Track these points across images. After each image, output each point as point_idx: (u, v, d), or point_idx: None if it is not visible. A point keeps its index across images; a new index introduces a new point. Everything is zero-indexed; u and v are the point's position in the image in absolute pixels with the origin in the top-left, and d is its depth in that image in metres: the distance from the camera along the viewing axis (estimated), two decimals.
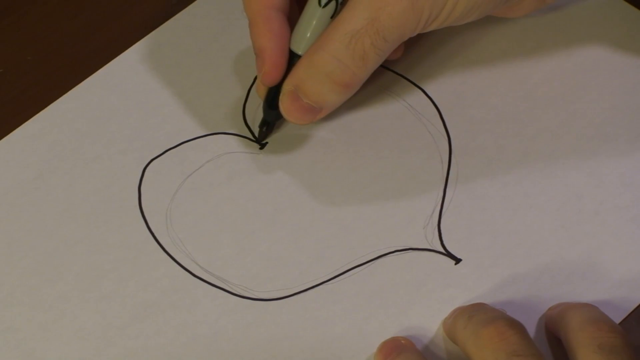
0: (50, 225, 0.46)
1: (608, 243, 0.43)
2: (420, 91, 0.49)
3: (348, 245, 0.44)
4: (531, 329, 0.41)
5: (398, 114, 0.48)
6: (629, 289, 0.42)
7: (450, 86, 0.49)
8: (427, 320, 0.42)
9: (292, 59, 0.43)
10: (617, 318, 0.41)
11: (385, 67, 0.49)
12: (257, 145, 0.48)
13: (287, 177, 0.47)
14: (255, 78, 0.50)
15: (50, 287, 0.44)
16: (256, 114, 0.49)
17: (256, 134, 0.48)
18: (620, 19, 0.50)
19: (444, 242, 0.44)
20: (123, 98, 0.50)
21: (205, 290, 0.44)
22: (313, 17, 0.42)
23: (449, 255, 0.44)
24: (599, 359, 0.36)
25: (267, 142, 0.48)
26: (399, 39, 0.41)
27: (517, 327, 0.38)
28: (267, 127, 0.47)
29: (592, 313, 0.39)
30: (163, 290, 0.44)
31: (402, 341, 0.41)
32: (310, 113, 0.43)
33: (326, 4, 0.41)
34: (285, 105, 0.43)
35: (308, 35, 0.42)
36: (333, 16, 0.42)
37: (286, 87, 0.43)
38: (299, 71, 0.42)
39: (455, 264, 0.44)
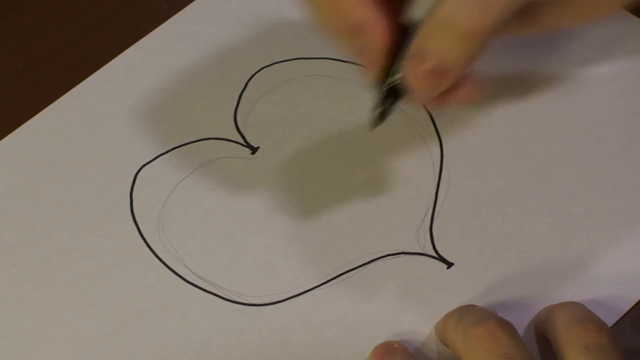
0: (42, 231, 0.46)
1: (600, 246, 0.43)
2: None
3: (340, 249, 0.44)
4: (522, 332, 0.41)
5: (390, 118, 0.48)
6: (620, 292, 0.42)
7: None
8: (419, 324, 0.42)
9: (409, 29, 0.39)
10: (610, 321, 0.41)
11: None
12: (248, 151, 0.48)
13: (279, 182, 0.47)
14: (248, 82, 0.50)
15: (42, 293, 0.44)
16: (247, 120, 0.49)
17: (247, 140, 0.48)
18: (611, 22, 0.50)
19: (436, 246, 0.44)
20: (114, 104, 0.50)
21: (197, 295, 0.44)
22: None
23: (441, 259, 0.44)
24: None
25: (258, 147, 0.48)
26: None
27: (508, 328, 0.38)
28: (385, 110, 0.42)
29: (578, 312, 0.39)
30: (155, 296, 0.44)
31: (395, 345, 0.41)
32: (436, 77, 0.38)
33: None
34: (409, 70, 0.39)
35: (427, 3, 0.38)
36: None
37: (411, 51, 0.38)
38: (422, 31, 0.38)
39: (447, 268, 0.44)
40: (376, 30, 0.38)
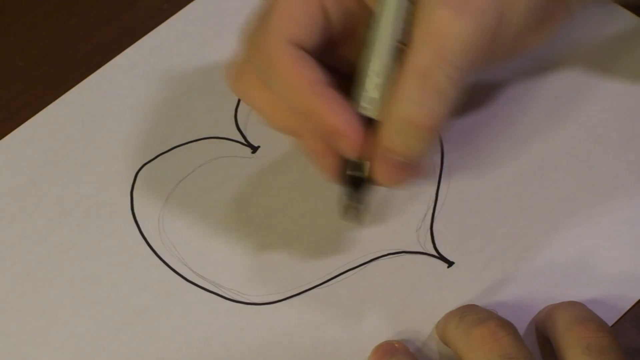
0: (42, 230, 0.46)
1: (600, 245, 0.43)
2: None
3: (340, 248, 0.44)
4: (523, 332, 0.41)
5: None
6: (621, 291, 0.42)
7: None
8: (420, 323, 0.42)
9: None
10: (610, 320, 0.41)
11: None
12: (248, 150, 0.48)
13: (279, 181, 0.47)
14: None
15: (43, 292, 0.44)
16: (248, 119, 0.48)
17: (248, 139, 0.48)
18: (612, 22, 0.50)
19: (437, 245, 0.44)
20: (115, 103, 0.50)
21: (197, 294, 0.44)
22: (380, 73, 0.37)
23: (442, 258, 0.44)
24: None
25: (259, 146, 0.48)
26: (471, 64, 0.36)
27: (509, 327, 0.38)
28: (360, 204, 0.41)
29: (579, 312, 0.39)
30: (156, 295, 0.44)
31: (396, 344, 0.41)
32: (406, 171, 0.38)
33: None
34: (381, 172, 0.38)
35: (378, 94, 0.37)
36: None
37: (377, 153, 0.38)
38: (385, 131, 0.37)
39: (448, 267, 0.44)
40: (352, 137, 0.37)
